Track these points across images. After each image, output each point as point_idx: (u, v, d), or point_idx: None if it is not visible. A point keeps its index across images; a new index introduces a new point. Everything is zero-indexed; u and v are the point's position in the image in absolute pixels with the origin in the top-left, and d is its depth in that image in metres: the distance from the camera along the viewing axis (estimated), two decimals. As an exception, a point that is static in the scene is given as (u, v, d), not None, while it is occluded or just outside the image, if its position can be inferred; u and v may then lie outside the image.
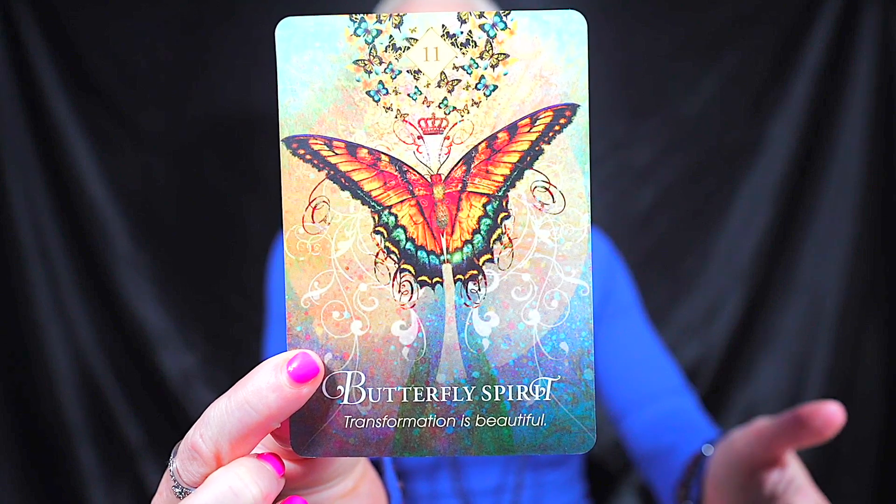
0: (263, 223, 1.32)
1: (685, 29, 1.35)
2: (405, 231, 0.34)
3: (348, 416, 0.34)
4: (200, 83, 1.33)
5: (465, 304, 0.34)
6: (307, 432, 0.34)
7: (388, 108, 0.34)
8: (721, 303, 1.37)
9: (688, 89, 1.36)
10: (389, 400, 0.34)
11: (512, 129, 0.34)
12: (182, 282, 1.36)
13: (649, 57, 1.35)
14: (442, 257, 0.34)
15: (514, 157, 0.34)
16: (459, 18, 0.33)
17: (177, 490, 0.32)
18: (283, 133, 0.34)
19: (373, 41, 0.34)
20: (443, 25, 0.33)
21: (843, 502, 1.37)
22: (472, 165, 0.34)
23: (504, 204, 0.34)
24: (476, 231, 0.34)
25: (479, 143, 0.34)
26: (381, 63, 0.34)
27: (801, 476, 0.58)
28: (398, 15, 0.33)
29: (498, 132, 0.34)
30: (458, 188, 0.34)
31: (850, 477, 1.37)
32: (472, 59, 0.33)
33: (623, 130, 1.37)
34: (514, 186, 0.34)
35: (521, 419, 0.34)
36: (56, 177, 1.30)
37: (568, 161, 0.33)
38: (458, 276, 0.34)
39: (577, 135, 0.33)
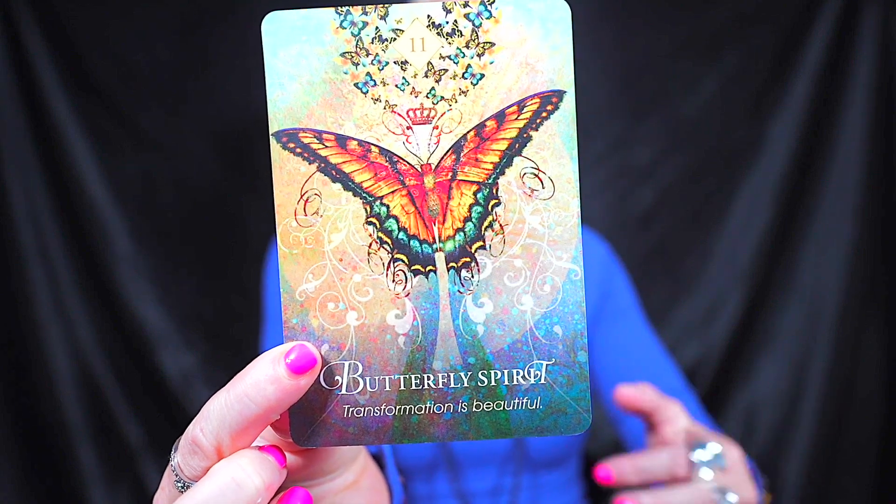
0: (263, 223, 1.32)
1: (685, 29, 1.35)
2: (397, 221, 0.34)
3: (347, 406, 0.34)
4: (200, 83, 1.33)
5: (458, 291, 0.34)
6: (306, 423, 0.34)
7: (377, 100, 0.34)
8: (721, 303, 1.37)
9: (688, 89, 1.36)
10: (387, 388, 0.34)
11: (500, 117, 0.34)
12: (182, 282, 1.36)
13: (649, 57, 1.36)
14: (434, 246, 0.34)
15: (503, 145, 0.34)
16: (444, 8, 0.34)
17: (178, 485, 0.32)
18: (273, 127, 0.34)
19: (359, 33, 0.34)
20: (428, 16, 0.34)
21: (843, 502, 1.37)
22: (462, 154, 0.34)
23: (494, 191, 0.34)
24: (467, 219, 0.34)
25: (468, 132, 0.34)
26: (368, 55, 0.34)
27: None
28: (384, 6, 0.34)
29: (486, 120, 0.34)
30: (449, 177, 0.34)
31: (850, 477, 1.37)
32: (458, 48, 0.34)
33: (623, 130, 1.37)
34: (503, 174, 0.34)
35: (518, 403, 0.34)
36: (56, 177, 1.31)
37: (556, 147, 0.34)
38: (451, 264, 0.34)
39: (564, 121, 0.34)
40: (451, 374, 0.34)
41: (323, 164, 0.34)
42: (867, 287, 1.36)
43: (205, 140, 1.33)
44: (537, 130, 0.34)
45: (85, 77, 1.30)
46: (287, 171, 0.34)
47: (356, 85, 0.34)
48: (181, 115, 1.33)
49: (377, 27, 0.34)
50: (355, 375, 0.34)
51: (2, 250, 1.30)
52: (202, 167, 1.34)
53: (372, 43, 0.34)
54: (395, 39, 0.34)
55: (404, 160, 0.34)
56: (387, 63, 0.34)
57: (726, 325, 1.37)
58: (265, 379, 0.31)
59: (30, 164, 1.30)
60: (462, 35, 0.34)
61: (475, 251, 0.34)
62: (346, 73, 0.34)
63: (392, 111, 0.34)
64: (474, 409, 0.34)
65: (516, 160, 0.34)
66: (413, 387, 0.34)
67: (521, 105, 0.34)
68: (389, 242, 0.34)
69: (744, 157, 1.37)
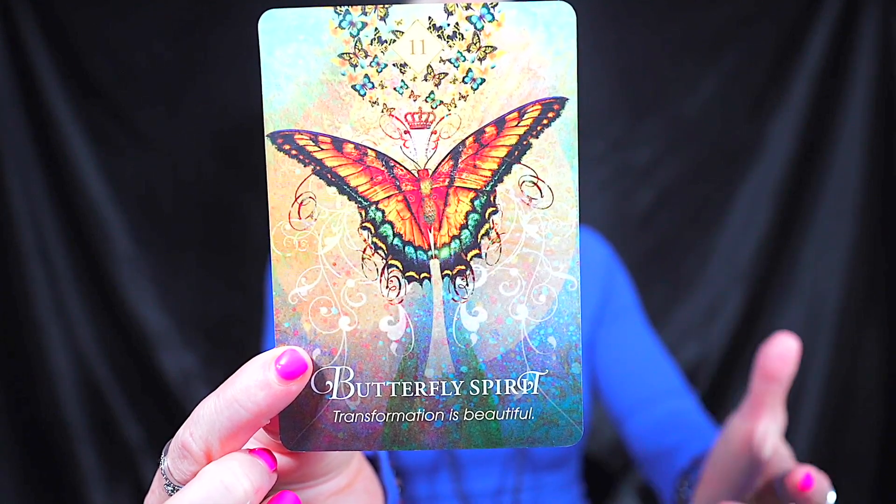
0: (263, 223, 1.32)
1: (685, 29, 1.35)
2: (392, 227, 0.34)
3: (337, 411, 0.34)
4: (200, 83, 1.33)
5: (452, 299, 0.34)
6: (297, 427, 0.34)
7: (375, 103, 0.33)
8: (721, 303, 1.37)
9: (688, 89, 1.36)
10: (378, 395, 0.34)
11: (499, 124, 0.33)
12: (182, 282, 1.36)
13: (649, 57, 1.35)
14: (429, 253, 0.34)
15: (502, 152, 0.33)
16: (446, 10, 0.33)
17: (168, 488, 0.32)
18: (268, 128, 0.33)
19: (358, 34, 0.33)
20: (429, 18, 0.33)
21: (843, 502, 1.36)
22: (460, 160, 0.33)
23: (492, 199, 0.33)
24: (464, 226, 0.34)
25: (467, 138, 0.33)
26: (366, 56, 0.33)
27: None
28: (384, 7, 0.33)
29: (485, 126, 0.33)
30: (446, 183, 0.34)
31: (850, 477, 1.37)
32: (459, 51, 0.33)
33: (623, 130, 1.36)
34: (501, 181, 0.33)
35: (510, 413, 0.34)
36: (56, 177, 1.31)
37: (556, 155, 0.33)
38: (446, 272, 0.34)
39: (565, 129, 0.33)
40: (443, 383, 0.34)
41: (318, 167, 0.33)
42: (867, 287, 1.36)
43: (205, 140, 1.33)
44: (537, 138, 0.33)
45: (85, 77, 1.29)
46: (282, 173, 0.33)
47: (354, 87, 0.33)
48: (181, 115, 1.33)
49: (377, 28, 0.33)
50: (346, 381, 0.34)
51: (2, 250, 1.30)
52: (202, 167, 1.34)
53: (371, 44, 0.33)
54: (394, 41, 0.33)
55: (401, 165, 0.34)
56: (386, 65, 0.33)
57: (726, 325, 1.37)
58: (255, 384, 0.31)
59: (30, 164, 1.29)
60: (463, 38, 0.33)
61: (471, 259, 0.34)
62: (343, 75, 0.33)
63: (390, 115, 0.33)
64: (465, 418, 0.34)
65: (515, 168, 0.33)
66: (404, 394, 0.34)
67: (521, 111, 0.33)
68: (384, 248, 0.34)
69: (744, 157, 1.37)
